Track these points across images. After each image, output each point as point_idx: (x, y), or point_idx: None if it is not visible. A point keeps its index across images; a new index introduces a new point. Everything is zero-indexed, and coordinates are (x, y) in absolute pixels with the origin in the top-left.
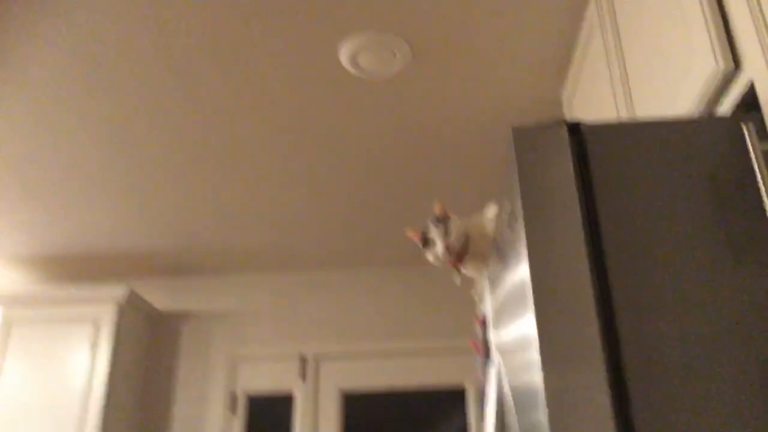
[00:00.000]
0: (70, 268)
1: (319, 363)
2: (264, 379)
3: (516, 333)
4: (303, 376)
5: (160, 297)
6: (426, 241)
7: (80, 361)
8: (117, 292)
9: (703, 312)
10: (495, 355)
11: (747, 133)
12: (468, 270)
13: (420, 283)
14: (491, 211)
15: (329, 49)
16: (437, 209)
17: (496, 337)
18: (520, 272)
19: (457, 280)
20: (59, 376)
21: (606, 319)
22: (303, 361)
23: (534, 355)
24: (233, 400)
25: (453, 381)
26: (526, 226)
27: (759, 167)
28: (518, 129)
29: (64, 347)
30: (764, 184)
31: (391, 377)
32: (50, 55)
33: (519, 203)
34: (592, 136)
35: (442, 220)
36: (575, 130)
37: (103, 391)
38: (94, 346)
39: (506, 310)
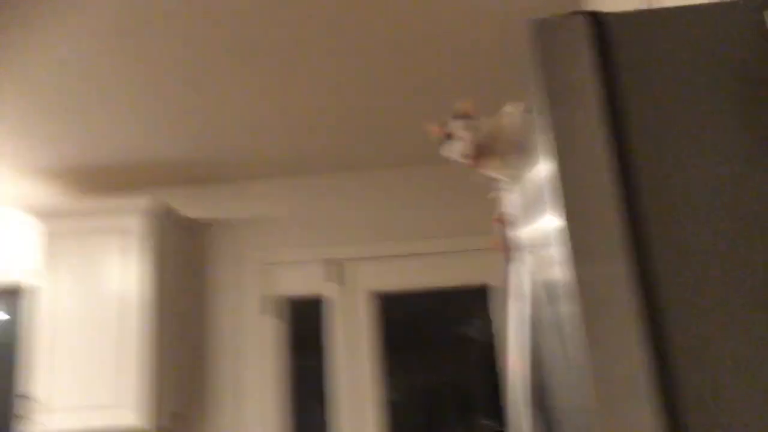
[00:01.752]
0: (100, 180)
1: (348, 265)
2: (297, 283)
3: (543, 229)
4: (334, 278)
5: (190, 205)
6: (449, 136)
7: (117, 271)
8: (148, 201)
9: (734, 210)
10: (520, 252)
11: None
12: (489, 168)
13: (441, 181)
14: (513, 109)
15: None
16: (464, 106)
17: (522, 234)
18: (545, 168)
19: (479, 179)
20: (99, 285)
21: (633, 213)
22: (333, 264)
23: (563, 249)
24: (268, 303)
25: (478, 279)
26: (549, 121)
27: None
28: (536, 21)
29: (101, 258)
30: None
31: (418, 277)
32: None
33: (541, 99)
34: (613, 25)
35: (467, 116)
36: (595, 20)
37: (141, 300)
38: (129, 255)
39: (532, 207)
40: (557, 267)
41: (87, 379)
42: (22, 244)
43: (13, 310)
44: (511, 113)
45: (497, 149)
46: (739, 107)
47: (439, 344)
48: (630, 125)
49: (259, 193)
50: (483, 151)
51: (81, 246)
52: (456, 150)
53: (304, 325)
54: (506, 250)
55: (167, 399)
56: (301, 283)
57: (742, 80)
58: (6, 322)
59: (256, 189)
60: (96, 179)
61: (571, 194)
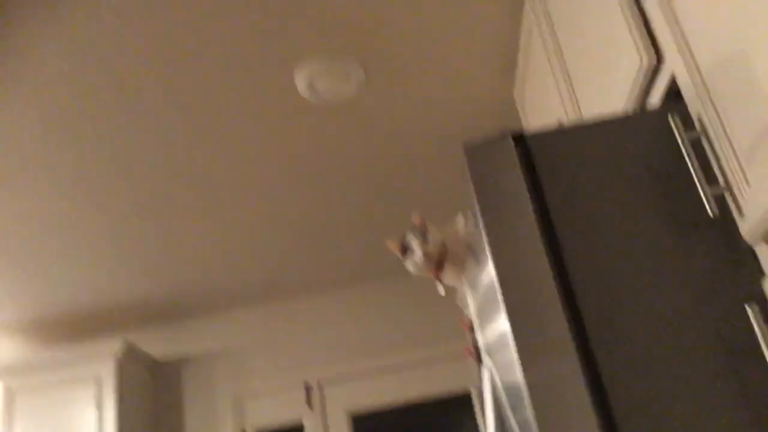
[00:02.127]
0: (62, 329)
1: (323, 388)
2: (271, 412)
3: (496, 332)
4: (309, 403)
5: (157, 345)
6: (405, 251)
7: (86, 421)
8: (114, 346)
9: (658, 286)
10: (485, 357)
11: (674, 124)
12: (448, 277)
13: (410, 293)
14: (461, 220)
15: (285, 78)
16: (415, 219)
17: (482, 338)
18: (488, 274)
19: (441, 290)
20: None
21: (571, 308)
22: (307, 388)
23: (512, 353)
24: None
25: (458, 387)
26: (486, 231)
27: (688, 155)
28: (468, 144)
29: (69, 409)
30: (694, 169)
31: (396, 392)
32: (12, 115)
33: (478, 212)
34: (536, 143)
35: (420, 230)
36: (520, 139)
37: None
38: (98, 404)
39: (485, 311)
40: (511, 369)
41: None
42: None
43: None
44: (462, 222)
45: (453, 258)
46: (652, 202)
47: None
48: (558, 228)
49: (224, 325)
50: (439, 260)
51: (46, 399)
52: (413, 263)
53: None
54: (476, 354)
55: None
56: (275, 411)
57: (653, 180)
58: None
59: (220, 321)
60: (56, 328)
61: (511, 296)
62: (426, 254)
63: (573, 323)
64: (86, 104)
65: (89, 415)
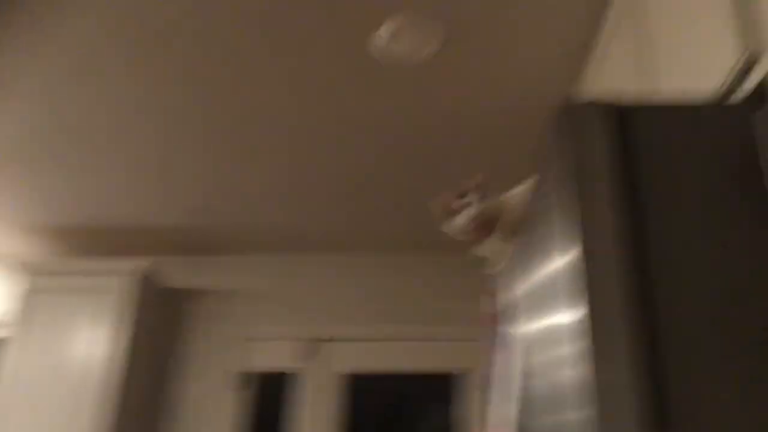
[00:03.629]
0: (90, 240)
1: (324, 344)
2: (271, 359)
3: (549, 323)
4: (308, 356)
5: (174, 274)
6: (452, 209)
7: (99, 332)
8: (137, 266)
9: (732, 284)
10: (516, 342)
11: (758, 122)
12: (490, 245)
13: (432, 272)
14: (523, 189)
15: (363, 33)
16: (479, 177)
17: (519, 326)
18: (561, 261)
19: (480, 252)
20: (75, 346)
21: (649, 311)
22: (309, 341)
23: (579, 349)
24: (241, 378)
25: (447, 367)
26: (571, 212)
27: (763, 157)
28: (558, 109)
29: (86, 317)
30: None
31: (395, 361)
32: (76, 19)
33: (559, 185)
34: (630, 115)
35: (481, 190)
36: (613, 110)
37: (115, 364)
38: (114, 318)
39: (540, 299)
40: (569, 367)
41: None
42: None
43: None
44: (519, 195)
45: (503, 227)
46: (730, 191)
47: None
48: (646, 206)
49: (244, 266)
50: (489, 225)
51: (59, 305)
52: (457, 224)
53: (276, 401)
54: (494, 324)
55: None
56: (272, 358)
57: (732, 169)
58: None
59: (242, 262)
60: (85, 239)
61: (593, 291)
62: (480, 214)
63: (649, 322)
64: (156, 19)
65: (103, 326)
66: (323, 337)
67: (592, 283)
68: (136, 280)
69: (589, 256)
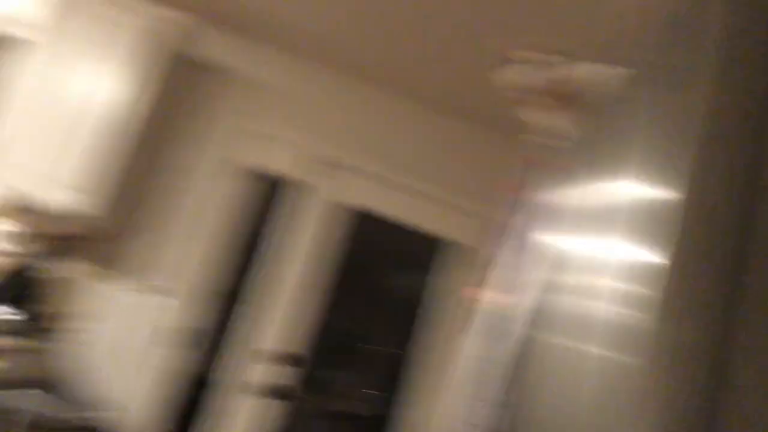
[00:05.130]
0: None
1: (331, 168)
2: (275, 163)
3: (611, 254)
4: (311, 173)
5: (202, 43)
6: (518, 61)
7: (117, 68)
8: (166, 21)
9: None
10: (542, 248)
11: None
12: (550, 117)
13: (457, 137)
14: (603, 71)
15: None
16: (556, 43)
17: (560, 234)
18: (647, 192)
19: (532, 119)
20: (86, 78)
21: (741, 282)
22: (316, 158)
23: (647, 293)
24: (239, 172)
25: (445, 233)
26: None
27: None
28: None
29: (105, 51)
30: None
31: (393, 209)
32: None
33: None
34: None
35: (565, 56)
36: None
37: (128, 97)
38: (129, 58)
39: (600, 221)
40: (617, 304)
41: (49, 148)
42: None
43: None
44: (597, 73)
45: (579, 106)
46: None
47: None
48: None
49: (271, 61)
50: (566, 97)
51: (90, 28)
52: (526, 78)
53: (265, 203)
54: (521, 193)
55: (115, 194)
56: (276, 162)
57: None
58: None
59: (269, 54)
60: None
61: (687, 236)
62: (558, 81)
63: (739, 295)
64: None
65: (125, 65)
66: (331, 159)
67: (684, 236)
68: (165, 31)
69: (692, 202)
